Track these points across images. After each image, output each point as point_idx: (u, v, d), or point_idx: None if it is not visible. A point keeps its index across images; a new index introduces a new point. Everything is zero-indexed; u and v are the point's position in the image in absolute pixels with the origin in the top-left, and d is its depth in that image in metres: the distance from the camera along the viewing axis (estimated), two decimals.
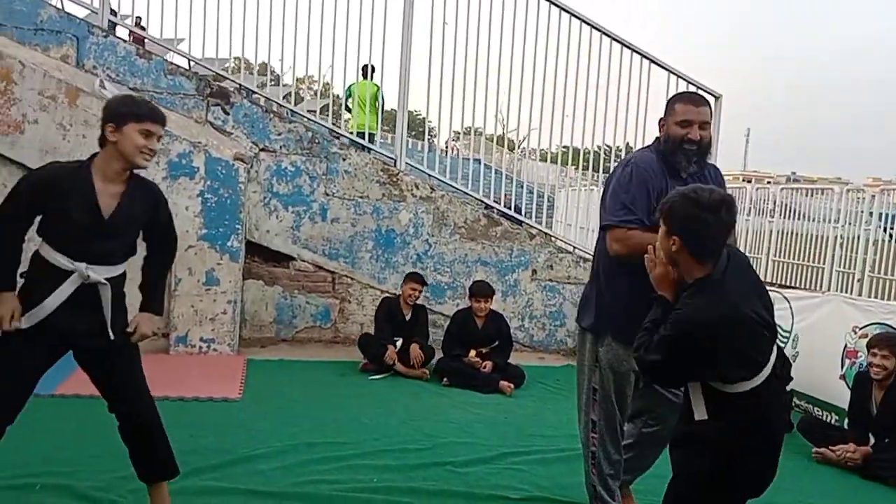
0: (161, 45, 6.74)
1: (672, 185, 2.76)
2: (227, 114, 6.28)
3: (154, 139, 2.63)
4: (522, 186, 8.53)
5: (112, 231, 2.63)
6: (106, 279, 2.65)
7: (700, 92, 2.91)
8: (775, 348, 2.26)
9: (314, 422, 4.31)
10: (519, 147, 9.23)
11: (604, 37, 7.03)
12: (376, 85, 7.49)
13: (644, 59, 7.10)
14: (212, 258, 5.67)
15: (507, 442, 4.15)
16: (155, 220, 2.78)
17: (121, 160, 2.60)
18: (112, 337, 2.68)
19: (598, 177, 8.36)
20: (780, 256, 9.33)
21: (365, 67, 7.73)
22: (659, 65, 7.15)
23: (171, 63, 6.42)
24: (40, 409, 4.15)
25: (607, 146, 7.51)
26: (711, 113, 2.91)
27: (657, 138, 3.01)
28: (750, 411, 2.18)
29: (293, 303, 6.46)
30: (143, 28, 6.78)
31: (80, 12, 6.57)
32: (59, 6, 6.55)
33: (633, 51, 7.08)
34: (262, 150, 6.33)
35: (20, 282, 2.67)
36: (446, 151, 8.65)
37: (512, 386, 5.34)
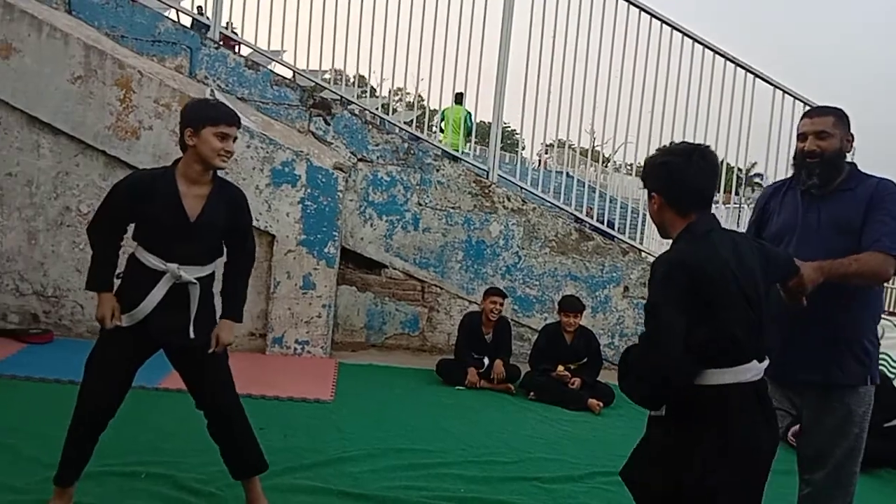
0: (266, 55, 7.01)
1: (795, 202, 2.75)
2: (329, 124, 6.48)
3: (230, 141, 2.73)
4: (615, 201, 8.40)
5: (198, 232, 2.75)
6: (196, 279, 2.77)
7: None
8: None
9: (402, 428, 4.38)
10: (610, 161, 9.11)
11: (702, 48, 6.85)
12: (466, 110, 7.72)
13: (746, 73, 6.88)
14: (309, 263, 5.85)
15: (596, 461, 4.09)
16: (235, 224, 2.86)
17: (200, 163, 2.71)
18: (193, 335, 2.78)
19: None
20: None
21: (458, 95, 7.95)
22: (762, 78, 6.92)
23: (277, 74, 6.68)
24: (145, 401, 4.41)
25: None
26: (838, 122, 2.72)
27: None
28: (716, 414, 1.98)
29: (383, 309, 6.58)
30: (234, 32, 7.07)
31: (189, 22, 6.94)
32: (176, 19, 6.92)
33: (733, 62, 6.87)
34: (359, 160, 6.50)
35: (117, 283, 2.85)
36: (540, 164, 8.63)
37: (601, 404, 5.26)
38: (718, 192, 8.33)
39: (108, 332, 2.80)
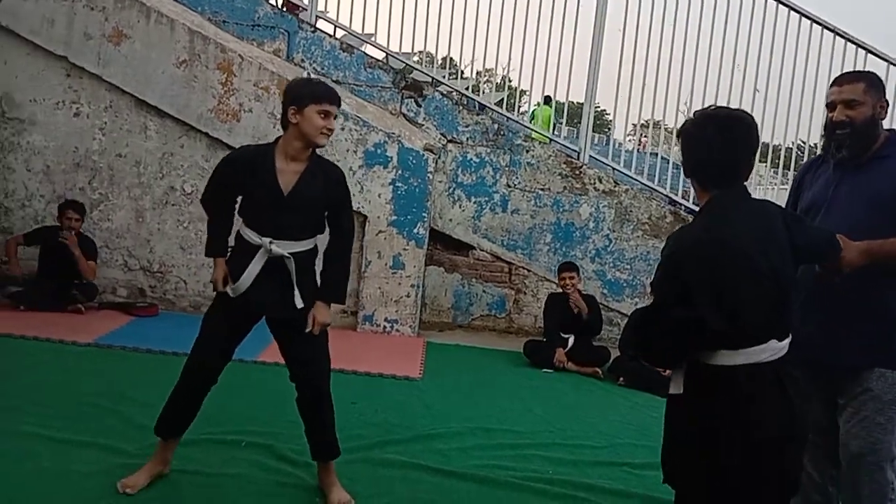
0: (360, 38, 7.10)
1: (830, 176, 2.61)
2: (420, 106, 6.53)
3: (332, 119, 2.77)
4: None
5: (291, 206, 2.80)
6: (290, 253, 2.83)
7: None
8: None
9: (489, 408, 4.40)
10: None
11: (802, 20, 6.46)
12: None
13: (857, 48, 6.46)
14: (399, 243, 5.94)
15: None
16: (331, 200, 2.91)
17: (301, 140, 2.77)
18: (287, 310, 2.86)
19: (790, 175, 7.77)
20: None
21: (546, 97, 7.89)
22: (874, 53, 6.47)
23: (370, 57, 6.76)
24: (244, 372, 4.59)
25: (802, 142, 6.96)
26: (869, 89, 2.52)
27: None
28: (733, 395, 1.88)
29: (470, 290, 6.61)
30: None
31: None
32: (274, 3, 7.10)
33: (836, 34, 6.45)
34: (449, 141, 6.52)
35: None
36: (639, 145, 8.42)
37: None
38: None
39: (219, 297, 2.94)
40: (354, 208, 5.84)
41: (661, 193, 6.87)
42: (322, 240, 2.99)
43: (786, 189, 8.42)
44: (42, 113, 5.87)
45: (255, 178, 2.81)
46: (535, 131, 7.43)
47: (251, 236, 2.85)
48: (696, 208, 7.09)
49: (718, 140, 1.94)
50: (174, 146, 5.92)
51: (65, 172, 5.92)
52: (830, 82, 2.67)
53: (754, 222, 1.96)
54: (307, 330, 2.92)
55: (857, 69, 2.50)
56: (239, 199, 2.94)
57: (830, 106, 2.59)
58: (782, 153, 6.86)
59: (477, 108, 7.01)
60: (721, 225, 1.93)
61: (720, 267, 1.88)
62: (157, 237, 5.99)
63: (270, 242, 2.82)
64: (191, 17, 6.14)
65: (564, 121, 7.36)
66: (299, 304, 2.87)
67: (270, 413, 3.90)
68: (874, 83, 2.57)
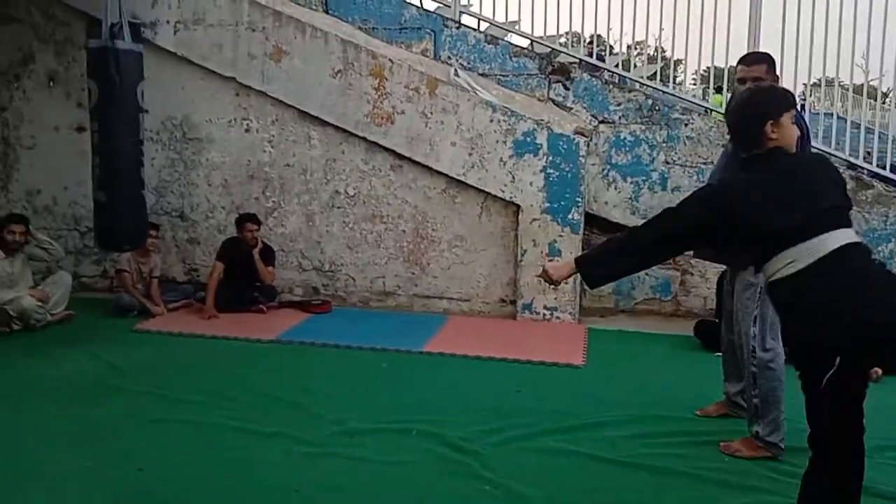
0: (503, 27, 7.11)
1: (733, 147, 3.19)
2: (568, 89, 6.43)
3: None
4: None
5: None
6: None
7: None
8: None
9: (659, 394, 4.25)
10: (889, 96, 7.94)
11: None
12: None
13: None
14: (554, 230, 5.89)
15: (885, 434, 3.61)
16: None
17: None
18: None
19: None
20: None
21: (717, 87, 7.48)
22: None
23: (515, 45, 6.75)
24: (411, 364, 4.78)
25: None
26: (769, 69, 3.39)
27: None
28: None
29: (632, 274, 6.41)
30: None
31: (432, 6, 7.24)
32: (419, 4, 7.27)
33: None
34: (601, 122, 6.37)
35: None
36: (802, 107, 7.79)
37: (880, 371, 4.64)
38: None
39: None
40: (508, 198, 5.93)
41: (840, 158, 6.29)
42: None
43: None
44: (217, 131, 6.40)
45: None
46: (692, 101, 7.07)
47: None
48: (881, 171, 6.47)
49: (733, 113, 2.62)
50: (336, 152, 6.24)
51: (240, 184, 6.42)
52: (738, 61, 3.54)
53: (779, 179, 2.41)
54: None
55: (756, 51, 3.78)
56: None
57: (741, 81, 3.41)
58: None
59: (627, 84, 6.78)
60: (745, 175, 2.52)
61: (755, 195, 2.39)
62: (327, 239, 6.34)
63: None
64: (343, 28, 6.43)
65: (725, 87, 6.94)
66: None
67: (438, 402, 4.03)
68: (771, 64, 3.48)
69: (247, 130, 6.36)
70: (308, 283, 6.43)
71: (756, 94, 2.57)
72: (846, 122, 6.54)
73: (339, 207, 6.29)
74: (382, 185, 6.19)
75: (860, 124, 7.25)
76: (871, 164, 6.35)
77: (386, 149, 6.10)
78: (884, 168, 6.37)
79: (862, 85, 7.08)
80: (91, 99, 5.27)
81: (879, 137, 6.41)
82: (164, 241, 6.53)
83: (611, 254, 2.60)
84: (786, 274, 2.25)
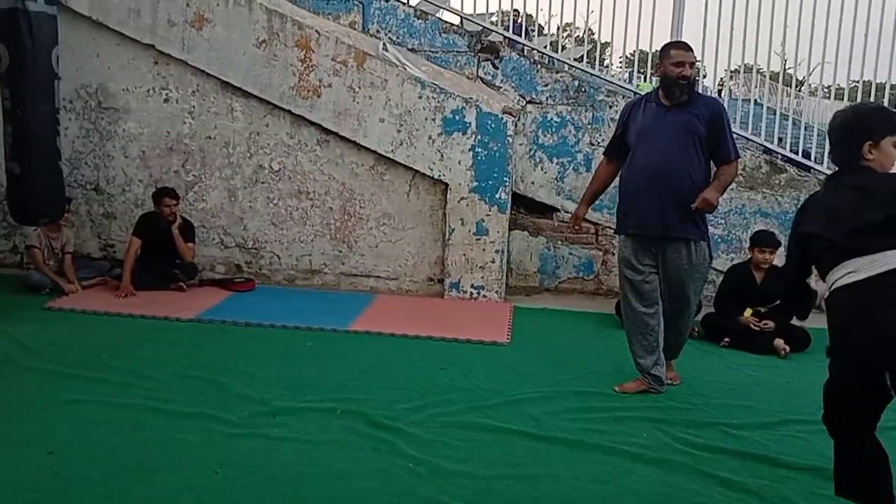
0: (434, 3, 7.03)
1: (654, 111, 3.87)
2: (497, 68, 6.43)
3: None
4: (811, 128, 7.66)
5: None
6: None
7: None
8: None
9: (580, 371, 4.35)
10: (803, 85, 8.25)
11: None
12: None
13: None
14: (481, 209, 5.91)
15: (789, 408, 3.84)
16: None
17: None
18: None
19: None
20: None
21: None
22: None
23: (445, 22, 6.70)
24: (337, 342, 4.73)
25: None
26: (694, 55, 3.88)
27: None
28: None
29: (556, 253, 6.53)
30: None
31: None
32: None
33: None
34: (528, 102, 6.40)
35: None
36: (719, 92, 8.03)
37: (788, 348, 4.90)
38: None
39: None
40: (436, 177, 5.91)
41: (756, 143, 6.53)
42: None
43: None
44: (135, 101, 6.13)
45: None
46: (616, 84, 7.18)
47: None
48: (794, 156, 6.72)
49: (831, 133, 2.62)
50: (259, 125, 6.07)
51: (159, 157, 6.18)
52: (672, 45, 3.89)
53: (829, 198, 2.60)
54: None
55: (683, 40, 4.20)
56: None
57: (680, 64, 3.76)
58: (886, 90, 6.38)
59: (556, 65, 6.83)
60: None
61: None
62: (250, 215, 6.19)
63: None
64: None
65: (649, 71, 7.08)
66: None
67: (364, 381, 4.01)
68: (693, 51, 3.89)
69: (166, 101, 6.12)
70: (230, 260, 6.27)
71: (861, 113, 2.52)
72: (763, 108, 6.75)
73: (263, 183, 6.14)
74: (309, 161, 6.08)
75: (776, 110, 7.53)
76: (784, 148, 6.61)
77: (312, 123, 5.98)
78: (797, 153, 6.65)
79: (779, 73, 7.35)
80: (1, 64, 4.97)
81: (794, 124, 6.67)
82: (79, 216, 6.25)
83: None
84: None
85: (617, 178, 4.14)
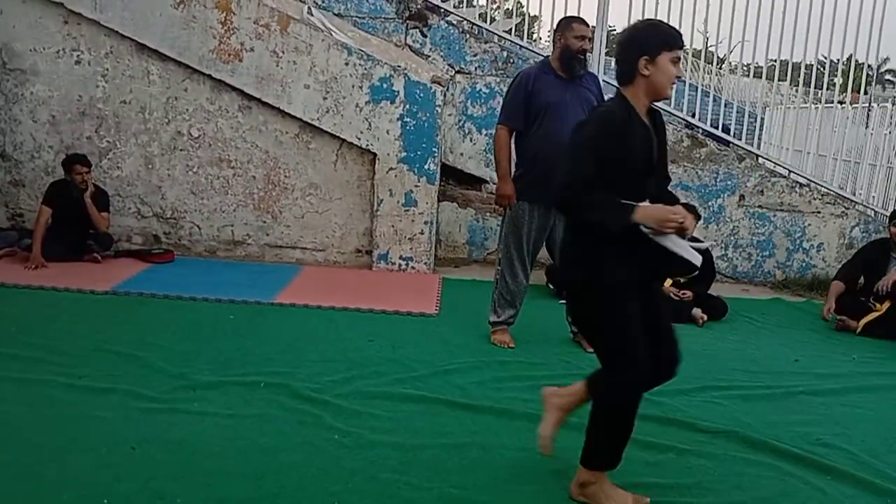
0: None
1: (555, 83, 3.97)
2: (425, 36, 6.35)
3: (679, 66, 2.48)
4: (730, 105, 7.89)
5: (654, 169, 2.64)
6: None
7: None
8: None
9: None
10: (724, 62, 8.49)
11: None
12: None
13: None
14: (410, 180, 5.86)
15: (706, 375, 3.98)
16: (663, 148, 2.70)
17: (649, 95, 2.49)
18: None
19: (821, 94, 7.51)
20: None
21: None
22: None
23: None
24: (261, 315, 4.62)
25: (823, 58, 6.69)
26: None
27: (546, 57, 4.21)
28: None
29: (485, 225, 6.55)
30: None
31: None
32: None
33: None
34: (457, 72, 6.35)
35: None
36: None
37: (705, 317, 5.08)
38: (845, 91, 7.68)
39: None
40: (364, 146, 5.81)
41: (678, 117, 6.68)
42: None
43: (806, 107, 8.22)
44: (43, 62, 5.78)
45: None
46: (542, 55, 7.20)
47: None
48: (715, 131, 6.94)
49: None
50: (178, 90, 5.82)
51: (71, 122, 5.86)
52: (573, 19, 4.01)
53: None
54: None
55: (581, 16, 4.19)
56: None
57: (581, 38, 3.92)
58: (802, 69, 6.62)
59: (484, 35, 6.79)
60: None
61: None
62: (168, 183, 5.96)
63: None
64: None
65: None
66: None
67: (288, 354, 3.93)
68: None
69: (77, 63, 5.79)
70: (148, 230, 6.03)
71: None
72: (685, 84, 6.91)
73: (181, 150, 5.91)
74: (230, 128, 5.88)
75: (698, 87, 7.72)
76: (705, 123, 6.79)
77: (234, 88, 5.77)
78: (717, 128, 6.84)
79: (701, 50, 7.52)
80: None
81: (714, 100, 6.85)
82: None
83: None
84: None
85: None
